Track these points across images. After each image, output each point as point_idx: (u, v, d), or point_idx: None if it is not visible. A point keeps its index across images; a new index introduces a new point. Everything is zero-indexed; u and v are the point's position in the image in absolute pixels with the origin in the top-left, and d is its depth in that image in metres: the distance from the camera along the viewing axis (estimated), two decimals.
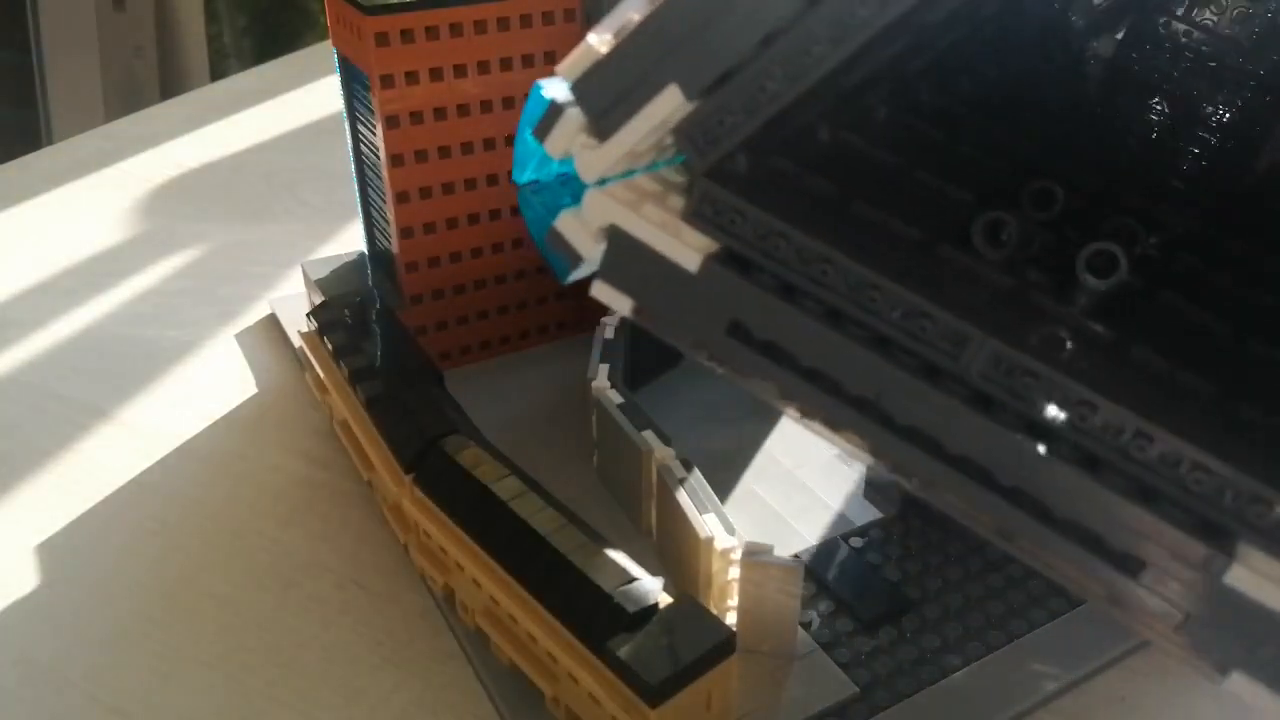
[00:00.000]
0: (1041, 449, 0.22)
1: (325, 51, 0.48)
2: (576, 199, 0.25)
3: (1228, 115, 0.34)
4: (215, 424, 0.47)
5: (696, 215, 0.24)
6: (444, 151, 0.44)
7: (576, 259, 0.26)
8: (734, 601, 0.34)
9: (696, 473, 0.36)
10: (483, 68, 0.43)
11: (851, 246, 0.23)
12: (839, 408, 0.24)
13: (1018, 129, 0.32)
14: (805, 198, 0.26)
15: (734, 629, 0.30)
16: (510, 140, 0.45)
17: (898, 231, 0.26)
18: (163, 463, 0.44)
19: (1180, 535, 0.21)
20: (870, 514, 0.39)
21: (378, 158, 0.45)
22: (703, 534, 0.33)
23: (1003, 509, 0.23)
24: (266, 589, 0.38)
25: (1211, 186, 0.33)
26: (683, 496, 0.35)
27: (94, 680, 0.35)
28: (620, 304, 0.26)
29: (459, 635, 0.35)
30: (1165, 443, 0.21)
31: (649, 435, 0.37)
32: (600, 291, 0.26)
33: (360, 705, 0.34)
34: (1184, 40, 0.33)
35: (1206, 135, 0.34)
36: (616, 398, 0.40)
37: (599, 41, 0.23)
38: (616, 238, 0.25)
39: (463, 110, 0.44)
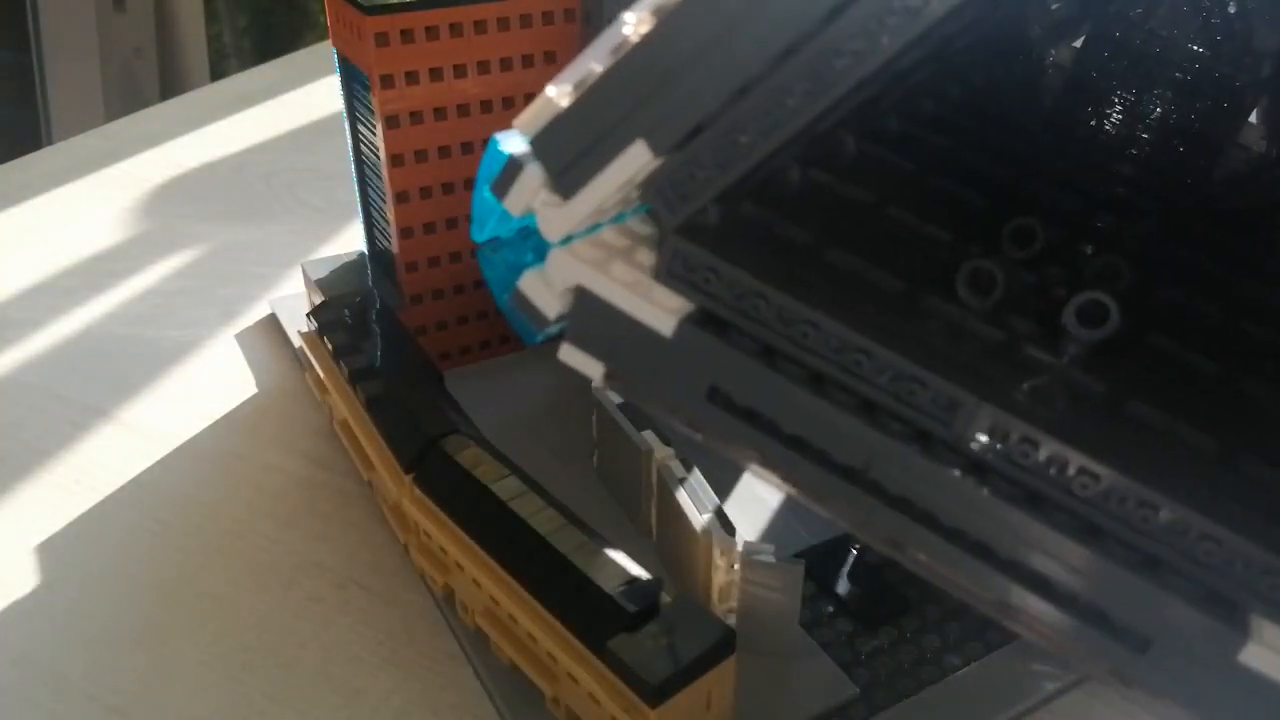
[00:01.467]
0: (1040, 521, 0.21)
1: (325, 51, 0.48)
2: (540, 255, 0.24)
3: (1192, 121, 0.33)
4: (215, 424, 0.47)
5: (669, 274, 0.23)
6: (444, 151, 0.44)
7: (542, 322, 0.24)
8: (734, 601, 0.33)
9: (696, 472, 0.36)
10: (483, 68, 0.43)
11: (833, 304, 0.22)
12: (825, 477, 0.22)
13: (988, 156, 0.31)
14: (780, 247, 0.24)
15: (734, 629, 0.30)
16: None
17: (878, 282, 0.24)
18: (163, 463, 0.44)
19: (1191, 611, 0.20)
20: None
21: (378, 158, 0.45)
22: (703, 534, 0.33)
23: (1002, 583, 0.21)
24: (266, 589, 0.38)
25: (1185, 198, 0.32)
26: (683, 496, 0.35)
27: (93, 680, 0.35)
28: (591, 369, 0.24)
29: (459, 635, 0.35)
30: (1172, 511, 0.20)
31: (649, 435, 0.37)
32: (569, 356, 0.24)
33: (360, 705, 0.33)
34: (1144, 47, 0.33)
35: (1176, 144, 0.34)
36: (616, 397, 0.40)
37: (558, 94, 0.22)
38: (584, 299, 0.23)
39: (463, 110, 0.44)
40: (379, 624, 0.36)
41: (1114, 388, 0.23)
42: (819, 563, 0.37)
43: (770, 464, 0.23)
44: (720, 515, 0.34)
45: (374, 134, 0.44)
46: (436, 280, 0.47)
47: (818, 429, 0.22)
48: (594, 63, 0.21)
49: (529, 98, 0.44)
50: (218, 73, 1.41)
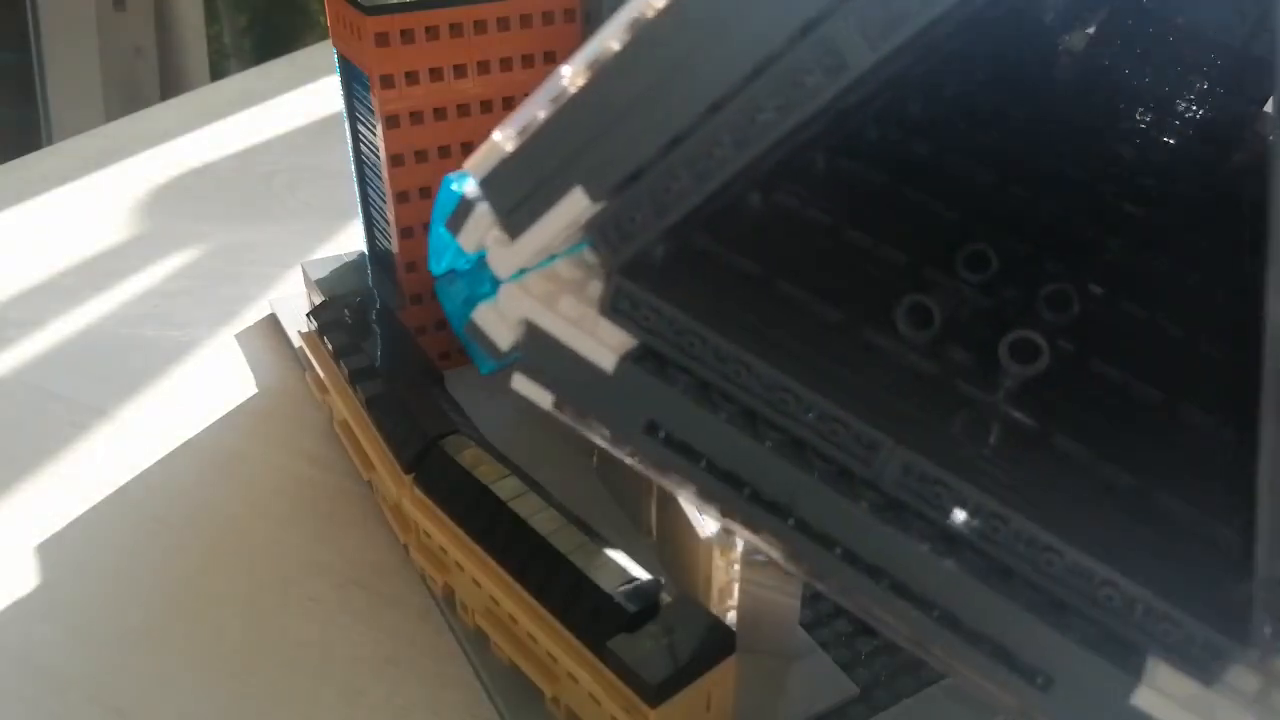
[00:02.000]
0: (950, 561, 0.21)
1: (325, 51, 0.48)
2: (495, 287, 0.25)
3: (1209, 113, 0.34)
4: (215, 424, 0.47)
5: (613, 310, 0.24)
6: (444, 151, 0.44)
7: (496, 352, 0.25)
8: (734, 601, 0.33)
9: None
10: (483, 68, 0.43)
11: (767, 344, 0.23)
12: (755, 511, 0.23)
13: (969, 160, 0.31)
14: (727, 280, 0.25)
15: (734, 629, 0.30)
16: None
17: (821, 314, 0.25)
18: (163, 463, 0.44)
19: (1088, 653, 0.21)
20: None
21: (378, 157, 0.45)
22: (703, 534, 0.33)
23: (915, 618, 0.22)
24: (266, 589, 0.38)
25: (1193, 191, 0.32)
26: (683, 497, 0.35)
27: (94, 680, 0.35)
28: (540, 398, 0.25)
29: (459, 635, 0.35)
30: (1074, 558, 0.21)
31: None
32: (520, 385, 0.25)
33: (360, 705, 0.33)
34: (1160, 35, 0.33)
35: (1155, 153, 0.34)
36: None
37: (504, 138, 0.23)
38: (533, 333, 0.24)
39: (462, 110, 0.44)
40: (379, 624, 0.36)
41: (1043, 421, 0.24)
42: None
43: (705, 496, 0.24)
44: None
45: (374, 134, 0.44)
46: None
47: (746, 465, 0.23)
48: (538, 109, 0.22)
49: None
50: (218, 73, 1.41)
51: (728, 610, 0.34)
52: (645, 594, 0.30)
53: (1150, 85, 0.35)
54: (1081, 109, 0.35)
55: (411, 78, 0.42)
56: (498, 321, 0.25)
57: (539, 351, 0.24)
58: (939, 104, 0.33)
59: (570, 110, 0.22)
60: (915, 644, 0.23)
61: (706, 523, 0.33)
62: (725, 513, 0.24)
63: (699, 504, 0.24)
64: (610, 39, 0.21)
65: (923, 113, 0.32)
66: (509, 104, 0.44)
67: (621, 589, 0.30)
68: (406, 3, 0.41)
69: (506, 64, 0.43)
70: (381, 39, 0.41)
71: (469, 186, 0.24)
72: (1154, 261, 0.30)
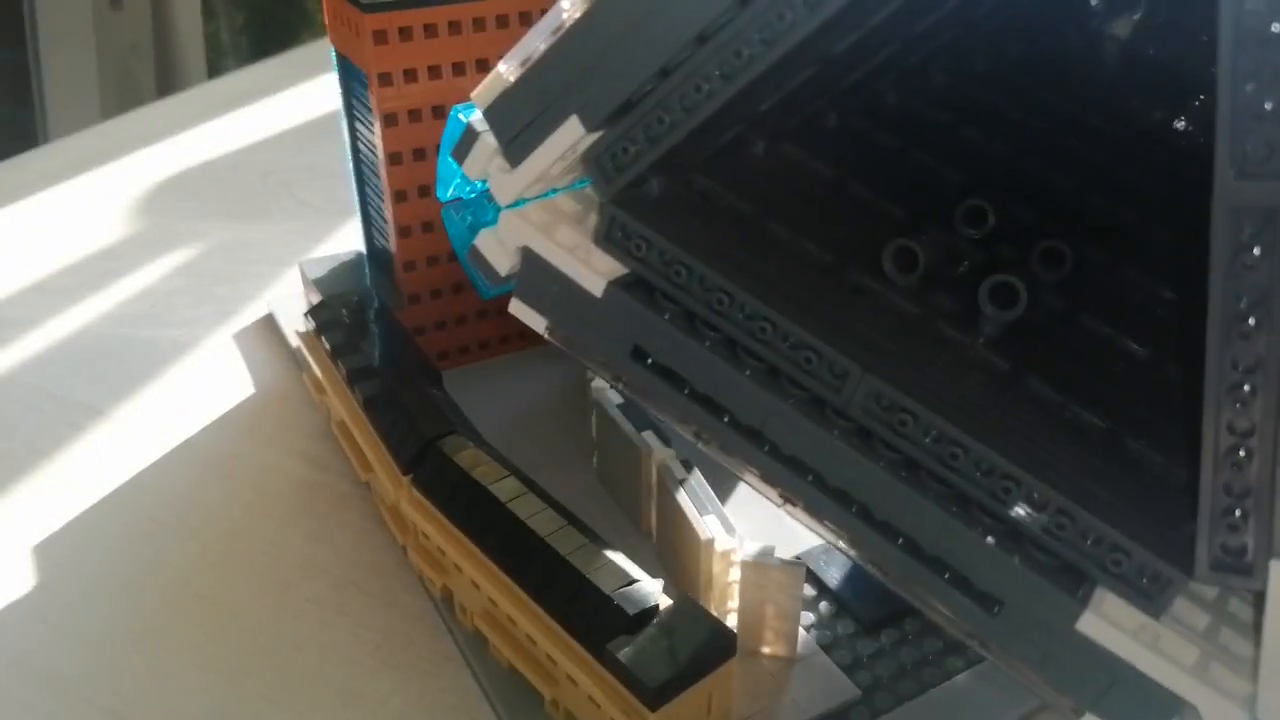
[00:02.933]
0: (912, 488, 0.22)
1: (323, 49, 0.48)
2: (497, 215, 0.26)
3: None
4: (212, 424, 0.46)
5: (607, 239, 0.25)
6: None
7: (495, 277, 0.27)
8: (734, 603, 0.33)
9: (697, 473, 0.36)
10: (482, 65, 0.43)
11: (751, 276, 0.24)
12: (730, 434, 0.24)
13: (978, 139, 0.32)
14: (722, 218, 0.26)
15: (734, 631, 0.29)
16: None
17: (808, 255, 0.26)
18: (159, 463, 0.44)
19: (1035, 578, 0.21)
20: None
21: (376, 156, 0.44)
22: (703, 535, 0.33)
23: (878, 543, 0.23)
24: (263, 591, 0.38)
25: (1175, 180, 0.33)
26: (683, 497, 0.34)
27: (89, 682, 0.34)
28: (536, 322, 0.26)
29: (457, 637, 0.35)
30: (1030, 487, 0.21)
31: (649, 435, 0.37)
32: (517, 309, 0.26)
33: (358, 708, 0.33)
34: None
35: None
36: (616, 398, 0.39)
37: (507, 69, 0.24)
38: (529, 259, 0.26)
39: None
40: (377, 626, 0.36)
41: (1018, 366, 0.25)
42: (820, 564, 0.37)
43: (684, 419, 0.25)
44: (721, 516, 0.34)
45: (372, 132, 0.44)
46: (435, 279, 0.47)
47: (724, 390, 0.24)
48: (539, 41, 0.23)
49: None
50: (215, 70, 1.40)
51: (728, 612, 0.34)
52: (645, 596, 0.30)
53: (1190, 71, 0.35)
54: (1118, 96, 0.35)
55: (410, 75, 0.42)
56: (498, 248, 0.26)
57: (535, 277, 0.26)
58: (967, 78, 0.33)
59: (567, 40, 0.23)
60: (877, 568, 0.24)
61: (707, 524, 0.33)
62: (703, 437, 0.25)
63: (678, 427, 0.26)
64: None
65: (947, 84, 0.33)
66: None
67: (621, 591, 0.30)
68: (405, 0, 0.40)
69: None
70: (380, 36, 0.41)
71: (474, 117, 0.25)
72: (1162, 234, 0.30)
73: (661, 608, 0.30)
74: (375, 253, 0.50)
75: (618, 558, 0.31)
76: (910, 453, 0.22)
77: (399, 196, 0.44)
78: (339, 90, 0.46)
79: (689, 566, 0.34)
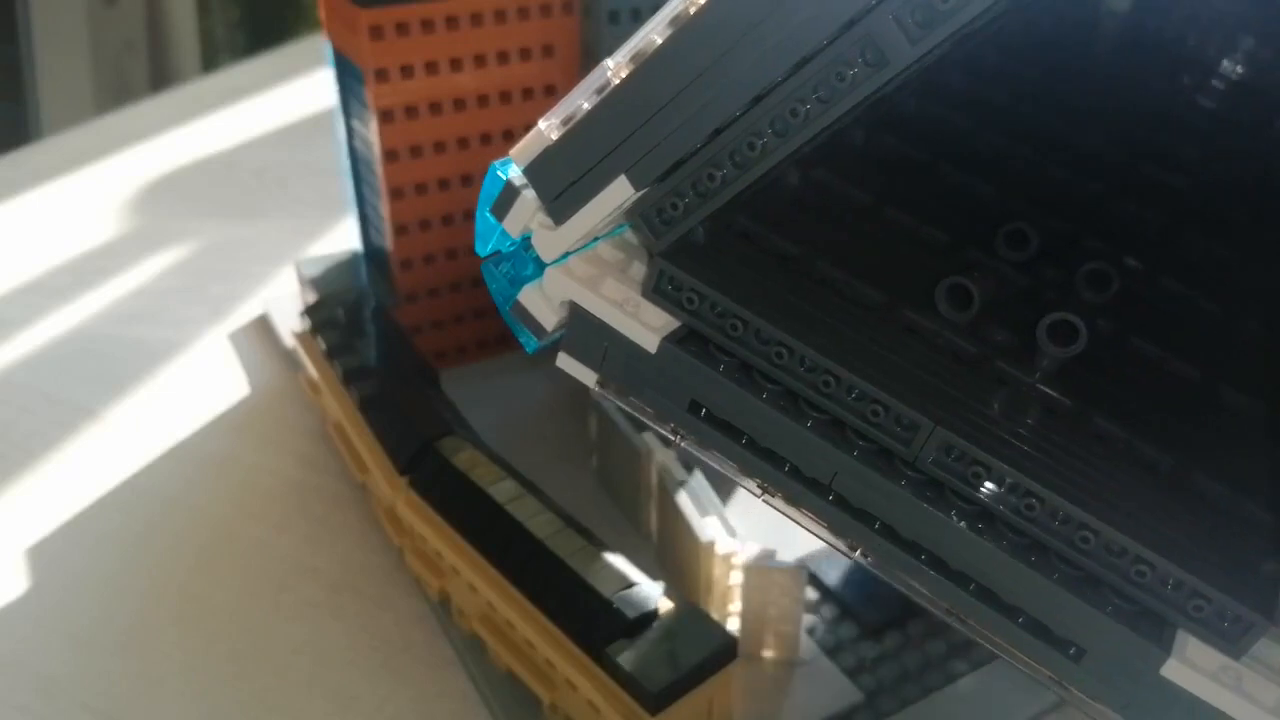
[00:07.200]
0: (987, 539, 0.22)
1: (318, 45, 0.48)
2: (539, 267, 0.26)
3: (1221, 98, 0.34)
4: (206, 425, 0.46)
5: (655, 292, 0.24)
6: (439, 147, 0.43)
7: (541, 332, 0.26)
8: (736, 607, 0.33)
9: (698, 475, 0.35)
10: (479, 61, 0.42)
11: (806, 326, 0.24)
12: (796, 488, 0.24)
13: (1010, 135, 0.32)
14: (769, 261, 0.26)
15: (736, 635, 0.29)
16: (508, 135, 0.45)
17: (861, 295, 0.26)
18: (153, 465, 0.44)
19: (1119, 627, 0.21)
20: None
21: (372, 153, 0.44)
22: (704, 538, 0.33)
23: (953, 593, 0.23)
24: (258, 593, 0.37)
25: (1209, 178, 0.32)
26: (684, 499, 0.34)
27: (84, 685, 0.34)
28: (585, 376, 0.26)
29: (455, 641, 0.35)
30: (1108, 536, 0.21)
31: (649, 437, 0.37)
32: (565, 364, 0.26)
33: (354, 712, 0.33)
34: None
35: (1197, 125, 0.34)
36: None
37: (548, 127, 0.24)
38: (577, 314, 0.25)
39: (458, 105, 0.43)
40: (373, 629, 0.36)
41: (1082, 402, 0.25)
42: (822, 567, 0.36)
43: (747, 473, 0.25)
44: (722, 519, 0.33)
45: (368, 129, 0.43)
46: (432, 278, 0.46)
47: (787, 444, 0.24)
48: (582, 99, 0.23)
49: (526, 92, 0.44)
50: (209, 66, 1.40)
51: (729, 615, 0.33)
52: (645, 599, 0.29)
53: (1195, 46, 0.35)
54: (1124, 77, 0.35)
55: (406, 72, 0.41)
56: (542, 303, 0.26)
57: (583, 332, 0.25)
58: (979, 78, 0.33)
59: (614, 101, 0.23)
60: (952, 616, 0.23)
61: (707, 526, 0.33)
62: (766, 489, 0.25)
63: (740, 480, 0.25)
64: (653, 33, 0.22)
65: (963, 86, 0.33)
66: (505, 98, 0.44)
67: (621, 594, 0.29)
68: None
69: (503, 58, 0.43)
70: (376, 32, 0.40)
71: (513, 173, 0.25)
72: (1193, 236, 0.31)
73: (662, 611, 0.29)
74: (371, 251, 0.50)
75: (617, 560, 0.31)
76: (985, 505, 0.22)
77: (395, 194, 0.44)
78: (335, 86, 0.46)
79: (690, 569, 0.34)
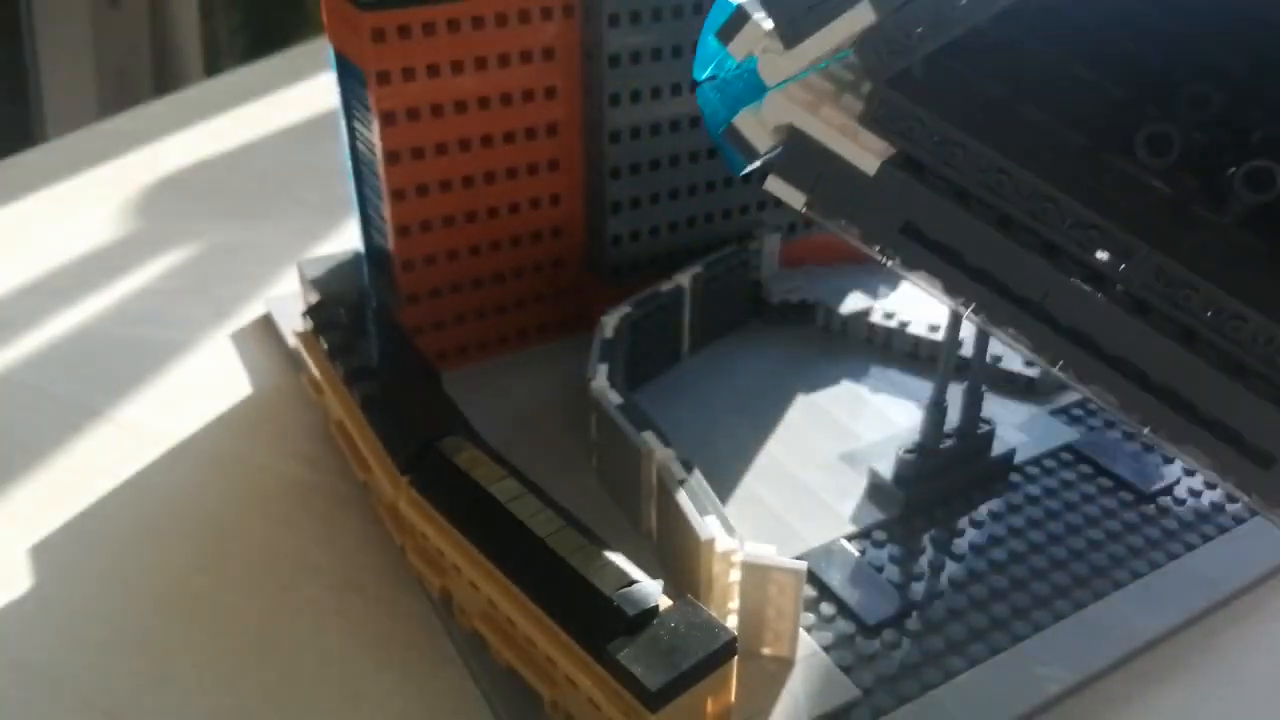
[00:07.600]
0: (1194, 355, 0.24)
1: (321, 48, 0.48)
2: (751, 92, 0.27)
3: None
4: (210, 425, 0.46)
5: (875, 120, 0.25)
6: (441, 149, 0.44)
7: (752, 154, 0.28)
8: (735, 604, 0.33)
9: (697, 474, 0.35)
10: (480, 64, 0.43)
11: (1024, 156, 0.25)
12: (1004, 306, 0.25)
13: (1159, 24, 0.32)
14: (979, 101, 0.27)
15: (735, 632, 0.29)
16: (509, 137, 0.45)
17: (1064, 137, 0.27)
18: (156, 464, 0.44)
19: None
20: (872, 516, 0.39)
21: (374, 155, 0.44)
22: (703, 536, 0.33)
23: (1153, 406, 0.24)
24: (261, 592, 0.38)
25: None
26: (683, 498, 0.34)
27: (87, 683, 0.34)
28: (793, 198, 0.27)
29: (456, 639, 0.35)
30: None
31: (649, 436, 0.37)
32: (774, 185, 0.27)
33: (356, 710, 0.33)
34: None
35: None
36: (616, 398, 0.39)
37: None
38: (794, 137, 0.26)
39: (460, 107, 0.43)
40: (375, 628, 0.36)
41: (1273, 245, 0.26)
42: (821, 565, 0.37)
43: (954, 292, 0.26)
44: (721, 517, 0.34)
45: (370, 131, 0.44)
46: (434, 279, 0.46)
47: (1002, 264, 0.25)
48: None
49: (527, 94, 0.44)
50: (212, 69, 1.40)
51: (729, 613, 0.33)
52: (645, 597, 0.30)
53: None
54: None
55: (408, 74, 0.42)
56: (758, 126, 0.27)
57: (799, 155, 0.27)
58: None
59: None
60: (1148, 427, 0.25)
61: (707, 524, 0.33)
62: (971, 307, 0.26)
63: (945, 298, 0.27)
64: None
65: None
66: (507, 100, 0.44)
67: (621, 591, 0.30)
68: None
69: (504, 60, 0.43)
70: (378, 35, 0.40)
71: None
72: None
73: (662, 609, 0.30)
74: (373, 252, 0.50)
75: (617, 558, 0.31)
76: (1190, 325, 0.24)
77: (397, 195, 0.44)
78: (337, 89, 0.46)
79: (689, 567, 0.34)
